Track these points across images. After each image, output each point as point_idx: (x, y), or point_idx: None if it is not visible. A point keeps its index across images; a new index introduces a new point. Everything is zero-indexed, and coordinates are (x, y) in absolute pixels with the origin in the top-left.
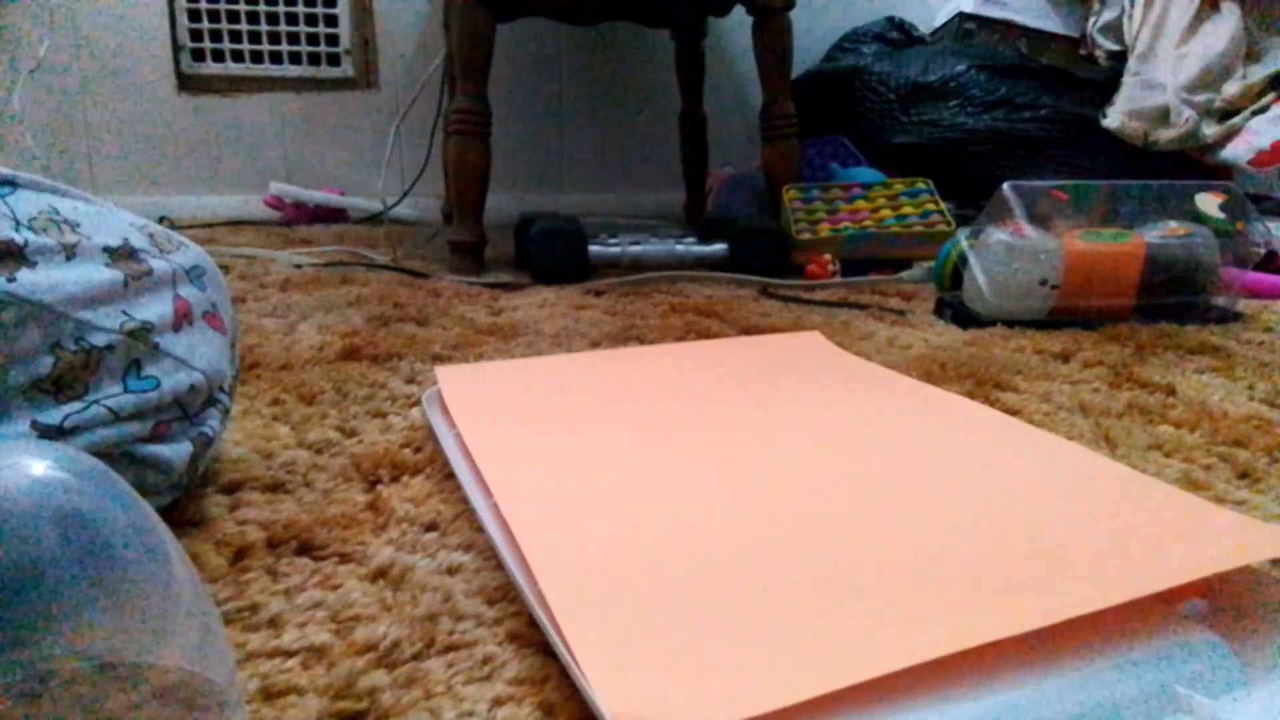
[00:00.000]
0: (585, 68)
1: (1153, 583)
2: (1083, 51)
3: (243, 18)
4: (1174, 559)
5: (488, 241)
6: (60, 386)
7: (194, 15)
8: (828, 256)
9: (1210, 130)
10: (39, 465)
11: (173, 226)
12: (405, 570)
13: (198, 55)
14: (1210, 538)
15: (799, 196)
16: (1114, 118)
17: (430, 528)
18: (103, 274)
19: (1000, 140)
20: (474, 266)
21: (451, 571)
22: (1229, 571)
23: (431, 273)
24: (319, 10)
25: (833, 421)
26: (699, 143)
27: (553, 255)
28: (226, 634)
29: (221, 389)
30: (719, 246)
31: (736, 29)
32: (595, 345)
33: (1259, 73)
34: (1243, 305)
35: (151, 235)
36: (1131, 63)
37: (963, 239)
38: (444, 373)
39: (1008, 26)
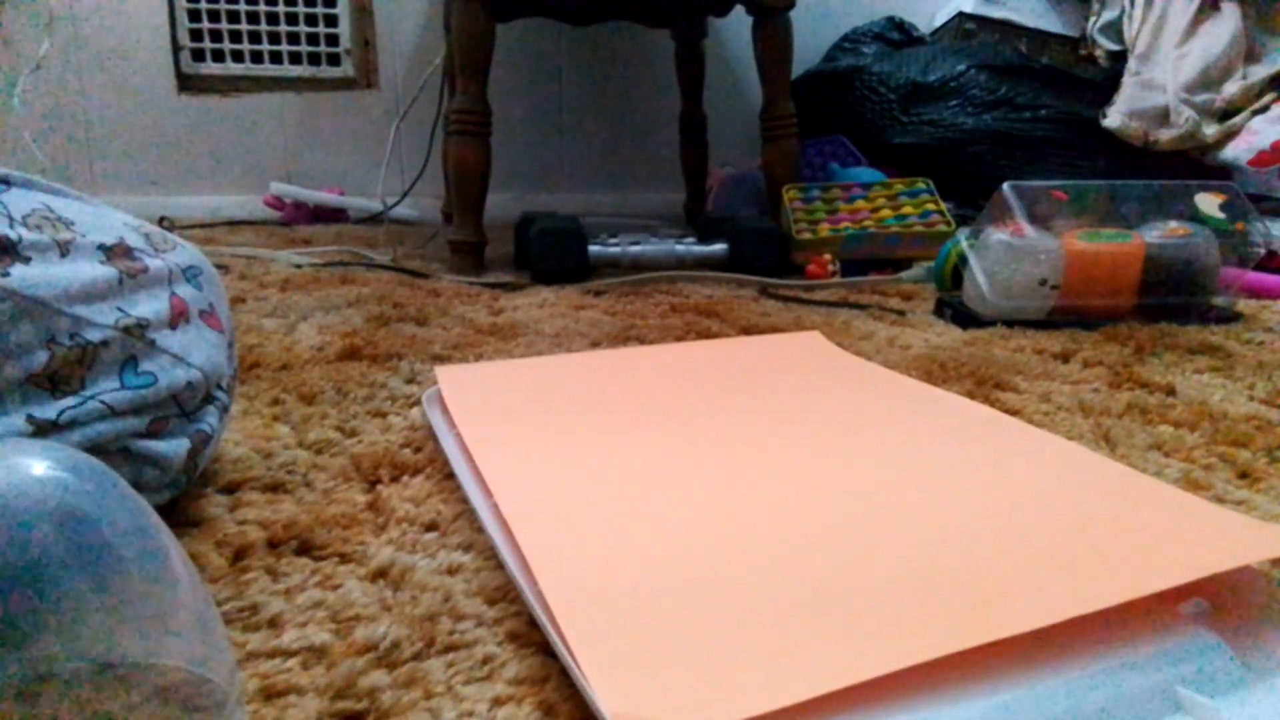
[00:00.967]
0: (585, 67)
1: (1153, 583)
2: (1083, 51)
3: (243, 18)
4: (1174, 559)
5: (488, 241)
6: (55, 381)
7: (194, 15)
8: (828, 256)
9: (1210, 130)
10: (39, 465)
11: (172, 226)
12: (405, 570)
13: (198, 55)
14: (1210, 538)
15: (799, 196)
16: (1114, 118)
17: (430, 528)
18: (98, 271)
19: (1000, 140)
20: (474, 266)
21: (451, 571)
22: (1229, 571)
23: (431, 273)
24: (319, 10)
25: (833, 421)
26: (699, 143)
27: (553, 255)
28: (226, 634)
29: (220, 387)
30: (719, 246)
31: (736, 29)
32: (595, 345)
33: (1259, 73)
34: (1243, 305)
35: (147, 235)
36: (1131, 63)
37: (963, 239)
38: (444, 373)
39: (1008, 26)
